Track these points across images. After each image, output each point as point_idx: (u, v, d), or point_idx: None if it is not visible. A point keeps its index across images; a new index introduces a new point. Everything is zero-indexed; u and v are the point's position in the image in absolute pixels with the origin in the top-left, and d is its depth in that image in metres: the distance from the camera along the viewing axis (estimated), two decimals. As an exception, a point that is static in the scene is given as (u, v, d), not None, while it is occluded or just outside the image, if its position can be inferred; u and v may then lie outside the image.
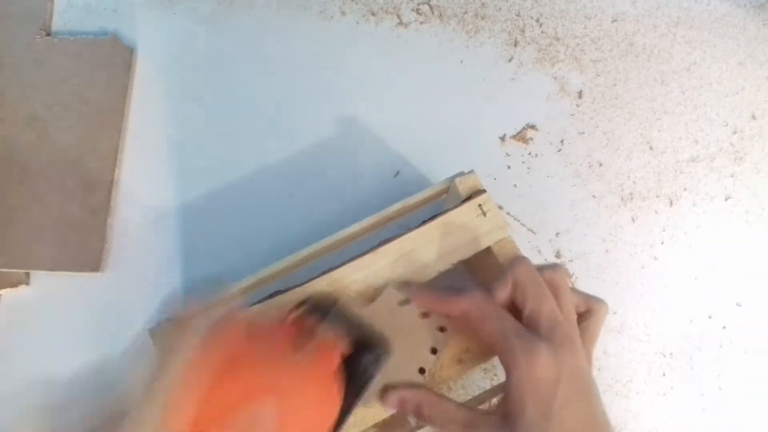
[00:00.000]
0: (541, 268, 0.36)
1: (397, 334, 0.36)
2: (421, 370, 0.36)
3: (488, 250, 0.40)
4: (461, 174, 0.42)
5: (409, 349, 0.36)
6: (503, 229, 0.40)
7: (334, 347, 0.33)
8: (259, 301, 0.39)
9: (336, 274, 0.39)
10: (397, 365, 0.35)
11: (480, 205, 0.40)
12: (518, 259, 0.36)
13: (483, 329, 0.34)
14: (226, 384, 0.27)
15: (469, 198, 0.41)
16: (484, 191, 0.41)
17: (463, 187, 0.41)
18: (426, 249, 0.39)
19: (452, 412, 0.35)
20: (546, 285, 0.35)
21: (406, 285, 0.38)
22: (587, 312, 0.37)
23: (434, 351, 0.36)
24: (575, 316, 0.36)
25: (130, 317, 0.48)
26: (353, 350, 0.35)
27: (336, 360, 0.33)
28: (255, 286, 0.41)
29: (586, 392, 0.33)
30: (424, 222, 0.40)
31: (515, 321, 0.34)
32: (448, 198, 0.44)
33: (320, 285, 0.38)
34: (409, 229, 0.40)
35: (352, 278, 0.38)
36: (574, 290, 0.37)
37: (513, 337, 0.33)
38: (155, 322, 0.39)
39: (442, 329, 0.36)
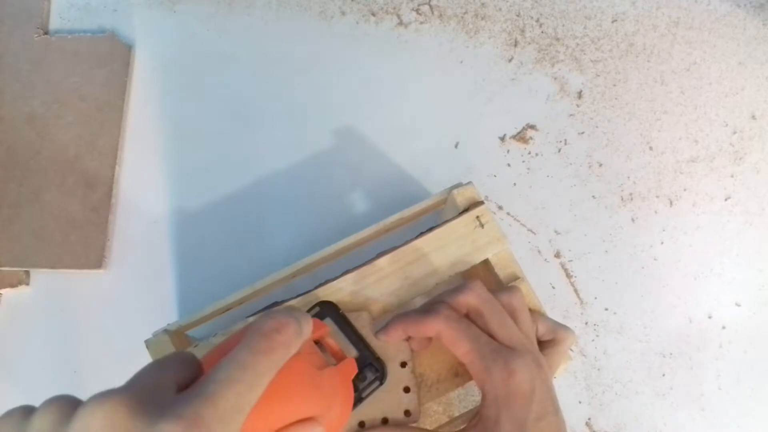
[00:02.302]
0: (497, 293, 0.36)
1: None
2: (406, 389, 0.36)
3: (486, 262, 0.40)
4: (459, 185, 0.42)
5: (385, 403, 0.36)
6: (501, 241, 0.40)
7: (351, 360, 0.33)
8: (256, 313, 0.38)
9: (333, 285, 0.38)
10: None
11: (478, 217, 0.40)
12: (466, 286, 0.35)
13: (457, 350, 0.34)
14: (276, 409, 0.26)
15: (466, 209, 0.41)
16: (481, 202, 0.41)
17: (460, 198, 0.41)
18: (423, 261, 0.39)
19: None
20: (503, 308, 0.35)
21: (381, 327, 0.37)
22: (552, 341, 0.37)
23: (403, 364, 0.37)
24: (535, 338, 0.36)
25: (131, 315, 0.48)
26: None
27: (353, 369, 0.33)
28: (252, 297, 0.41)
29: (556, 409, 0.33)
30: (422, 233, 0.40)
31: (488, 338, 0.34)
32: (446, 209, 0.44)
33: (317, 296, 0.38)
34: (407, 241, 0.40)
35: (350, 289, 0.38)
36: (543, 317, 0.38)
37: (488, 353, 0.33)
38: (152, 334, 0.39)
39: (403, 364, 0.36)
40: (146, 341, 0.39)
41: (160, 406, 0.20)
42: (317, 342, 0.33)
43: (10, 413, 0.21)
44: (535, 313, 0.38)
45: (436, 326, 0.34)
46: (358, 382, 0.34)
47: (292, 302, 0.38)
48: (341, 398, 0.31)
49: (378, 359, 0.35)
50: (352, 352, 0.35)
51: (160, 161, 0.52)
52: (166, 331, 0.39)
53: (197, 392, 0.21)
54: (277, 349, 0.23)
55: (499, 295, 0.36)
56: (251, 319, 0.38)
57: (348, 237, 0.41)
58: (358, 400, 0.34)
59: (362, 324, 0.37)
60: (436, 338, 0.35)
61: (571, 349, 0.48)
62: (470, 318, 0.35)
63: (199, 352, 0.37)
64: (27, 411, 0.21)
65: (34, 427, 0.20)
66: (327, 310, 0.37)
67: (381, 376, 0.35)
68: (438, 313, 0.34)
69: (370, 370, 0.35)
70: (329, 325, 0.36)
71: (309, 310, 0.37)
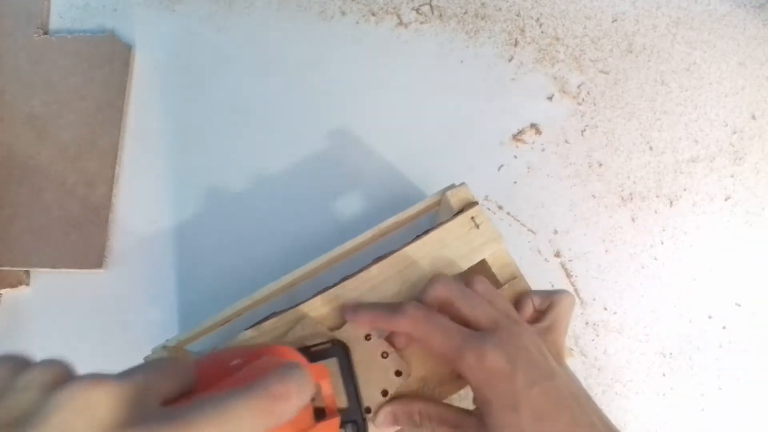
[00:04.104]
0: (466, 281, 0.36)
1: (361, 366, 0.36)
2: (384, 392, 0.36)
3: (483, 262, 0.40)
4: (452, 186, 0.42)
5: (373, 379, 0.36)
6: (497, 240, 0.40)
7: (336, 419, 0.32)
8: (254, 324, 0.38)
9: (332, 292, 0.38)
10: (364, 393, 0.35)
11: (473, 218, 0.40)
12: (433, 280, 0.35)
13: (431, 346, 0.34)
14: None
15: (461, 210, 0.41)
16: (476, 203, 0.41)
17: (454, 199, 0.41)
18: (420, 264, 0.39)
19: (441, 413, 0.35)
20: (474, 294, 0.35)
21: (347, 307, 0.37)
22: (550, 306, 0.37)
23: (399, 373, 0.36)
24: (515, 313, 0.36)
25: (131, 315, 0.48)
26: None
27: (335, 428, 0.32)
28: (251, 308, 0.41)
29: (549, 375, 0.32)
30: (418, 236, 0.40)
31: (458, 326, 0.33)
32: (441, 211, 0.44)
33: (316, 305, 0.38)
34: (404, 245, 0.40)
35: (349, 296, 0.38)
36: (534, 292, 0.38)
37: (459, 342, 0.32)
38: (151, 350, 0.39)
39: (398, 373, 0.36)
40: (145, 358, 0.38)
41: (140, 415, 0.20)
42: None
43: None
44: (526, 293, 0.38)
45: (403, 326, 0.34)
46: None
47: (289, 313, 0.38)
48: None
49: (363, 419, 0.34)
50: (343, 403, 0.34)
51: (160, 161, 0.52)
52: (165, 347, 0.39)
53: (178, 416, 0.20)
54: (272, 415, 0.22)
55: (469, 283, 0.36)
56: (248, 332, 0.37)
57: (344, 243, 0.41)
58: None
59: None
60: (408, 337, 0.35)
61: (572, 348, 0.48)
62: (443, 310, 0.35)
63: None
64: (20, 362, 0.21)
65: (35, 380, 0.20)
66: (337, 350, 0.36)
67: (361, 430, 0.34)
68: (404, 312, 0.34)
69: (352, 427, 0.34)
70: (332, 366, 0.35)
71: (321, 344, 0.36)
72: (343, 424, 0.33)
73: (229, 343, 0.38)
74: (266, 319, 0.38)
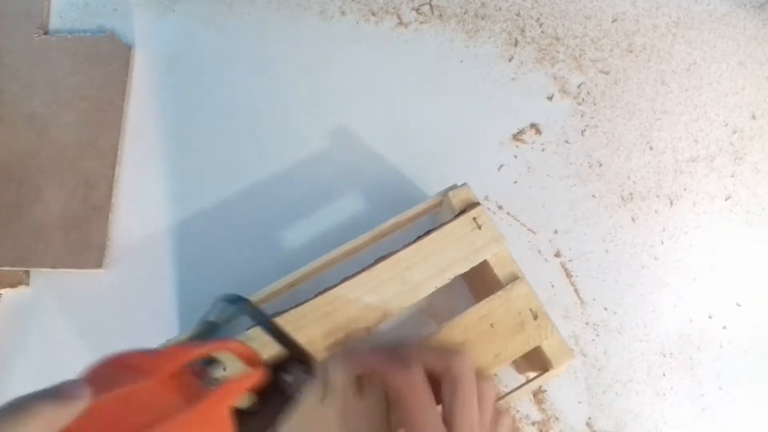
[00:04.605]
0: (477, 377, 0.36)
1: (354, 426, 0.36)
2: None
3: (485, 263, 0.40)
4: (454, 187, 0.42)
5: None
6: (499, 241, 0.40)
7: (228, 385, 0.29)
8: (252, 326, 0.38)
9: (333, 293, 0.38)
10: None
11: (474, 219, 0.40)
12: (462, 354, 0.35)
13: (407, 411, 0.34)
14: None
15: (463, 211, 0.41)
16: (478, 204, 0.41)
17: (456, 200, 0.41)
18: (422, 265, 0.39)
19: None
20: (476, 391, 0.35)
21: (348, 359, 0.37)
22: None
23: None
24: (492, 430, 0.36)
25: (131, 315, 0.48)
26: (280, 362, 0.33)
27: (231, 401, 0.29)
28: None
29: None
30: (419, 237, 0.40)
31: (439, 420, 0.33)
32: (442, 211, 0.44)
33: (317, 305, 0.38)
34: (405, 245, 0.40)
35: (349, 297, 0.38)
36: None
37: None
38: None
39: None
40: None
41: None
42: (213, 359, 0.30)
43: None
44: (505, 411, 0.38)
45: (399, 380, 0.34)
46: (283, 382, 0.32)
47: (290, 313, 0.38)
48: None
49: (302, 352, 0.33)
50: (274, 350, 0.33)
51: (160, 161, 0.52)
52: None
53: None
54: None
55: (478, 379, 0.35)
56: (249, 333, 0.37)
57: (345, 244, 0.41)
58: (288, 401, 0.32)
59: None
60: (393, 388, 0.35)
61: (572, 348, 0.48)
62: (443, 382, 0.35)
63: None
64: None
65: None
66: (240, 308, 0.34)
67: (309, 368, 0.33)
68: (409, 371, 0.34)
69: (296, 366, 0.33)
70: (244, 325, 0.33)
71: (214, 308, 0.34)
72: (287, 368, 0.32)
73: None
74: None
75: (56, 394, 0.22)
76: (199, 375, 0.29)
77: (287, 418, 0.32)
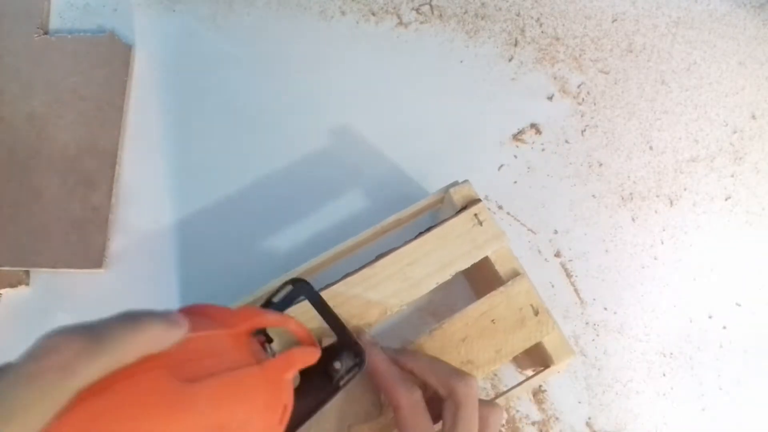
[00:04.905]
0: (481, 401, 0.35)
1: None
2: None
3: (486, 259, 0.40)
4: (455, 184, 0.42)
5: None
6: (500, 237, 0.40)
7: (288, 353, 0.30)
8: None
9: (334, 289, 0.38)
10: None
11: (476, 215, 0.40)
12: (467, 380, 0.35)
13: (405, 426, 0.34)
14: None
15: (464, 208, 0.41)
16: (479, 200, 0.41)
17: (457, 196, 0.41)
18: (424, 261, 0.39)
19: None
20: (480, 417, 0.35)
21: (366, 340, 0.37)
22: None
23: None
24: None
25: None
26: (331, 350, 0.34)
27: (298, 361, 0.30)
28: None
29: None
30: (421, 233, 0.40)
31: None
32: (444, 208, 0.44)
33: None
34: (406, 242, 0.40)
35: (351, 293, 0.38)
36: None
37: None
38: None
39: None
40: None
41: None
42: (262, 331, 0.31)
43: None
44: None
45: (402, 402, 0.34)
46: (333, 370, 0.32)
47: (293, 308, 0.38)
48: (260, 403, 0.27)
49: (356, 343, 0.34)
50: (329, 337, 0.34)
51: (160, 161, 0.52)
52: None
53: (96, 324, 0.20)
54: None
55: (481, 405, 0.35)
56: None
57: (346, 240, 0.41)
58: (335, 389, 0.32)
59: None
60: (393, 404, 0.35)
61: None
62: (445, 404, 0.34)
63: None
64: None
65: None
66: (300, 289, 0.35)
67: (360, 362, 0.33)
68: (411, 394, 0.34)
69: (347, 356, 0.33)
70: (301, 306, 0.34)
71: (278, 290, 0.35)
72: (338, 355, 0.33)
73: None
74: None
75: (166, 317, 0.24)
76: (261, 343, 0.30)
77: (330, 402, 0.32)
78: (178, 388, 0.23)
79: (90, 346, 0.21)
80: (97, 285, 0.49)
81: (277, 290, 0.36)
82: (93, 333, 0.21)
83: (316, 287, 0.38)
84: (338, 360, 0.33)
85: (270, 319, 0.31)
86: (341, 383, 0.33)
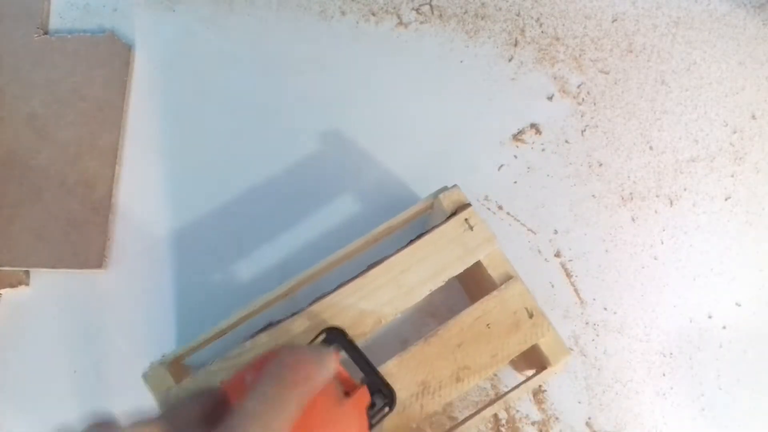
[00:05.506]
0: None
1: None
2: None
3: (478, 263, 0.40)
4: (445, 189, 0.42)
5: None
6: (491, 241, 0.40)
7: (364, 388, 0.33)
8: (254, 335, 0.38)
9: (328, 300, 0.38)
10: None
11: (466, 220, 0.40)
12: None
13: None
14: None
15: (454, 213, 0.41)
16: (468, 205, 0.40)
17: (447, 202, 0.41)
18: (416, 268, 0.39)
19: None
20: None
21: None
22: None
23: None
24: None
25: (131, 314, 0.48)
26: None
27: (366, 397, 0.33)
28: (247, 318, 0.41)
29: None
30: (412, 241, 0.40)
31: None
32: (434, 214, 0.44)
33: (313, 313, 0.38)
34: (398, 249, 0.40)
35: (345, 303, 0.38)
36: None
37: None
38: (149, 365, 0.39)
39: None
40: (143, 375, 0.38)
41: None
42: None
43: None
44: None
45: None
46: (367, 409, 0.34)
47: (287, 323, 0.38)
48: (356, 430, 0.31)
49: (387, 385, 0.35)
50: (362, 380, 0.35)
51: (160, 161, 0.52)
52: (162, 362, 0.38)
53: (227, 424, 0.22)
54: (301, 383, 0.24)
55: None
56: (248, 343, 0.37)
57: (339, 249, 0.41)
58: (368, 427, 0.34)
59: None
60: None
61: (572, 348, 0.48)
62: None
63: (200, 382, 0.37)
64: None
65: None
66: (334, 336, 0.36)
67: (390, 402, 0.35)
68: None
69: (379, 396, 0.34)
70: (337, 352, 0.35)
71: (315, 338, 0.36)
72: (371, 396, 0.34)
73: (229, 354, 0.38)
74: (264, 329, 0.38)
75: (333, 363, 0.28)
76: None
77: None
78: (335, 410, 0.28)
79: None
80: (97, 285, 0.49)
81: (315, 338, 0.37)
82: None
83: (311, 296, 0.38)
84: (371, 400, 0.34)
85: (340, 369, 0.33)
86: (373, 421, 0.34)
